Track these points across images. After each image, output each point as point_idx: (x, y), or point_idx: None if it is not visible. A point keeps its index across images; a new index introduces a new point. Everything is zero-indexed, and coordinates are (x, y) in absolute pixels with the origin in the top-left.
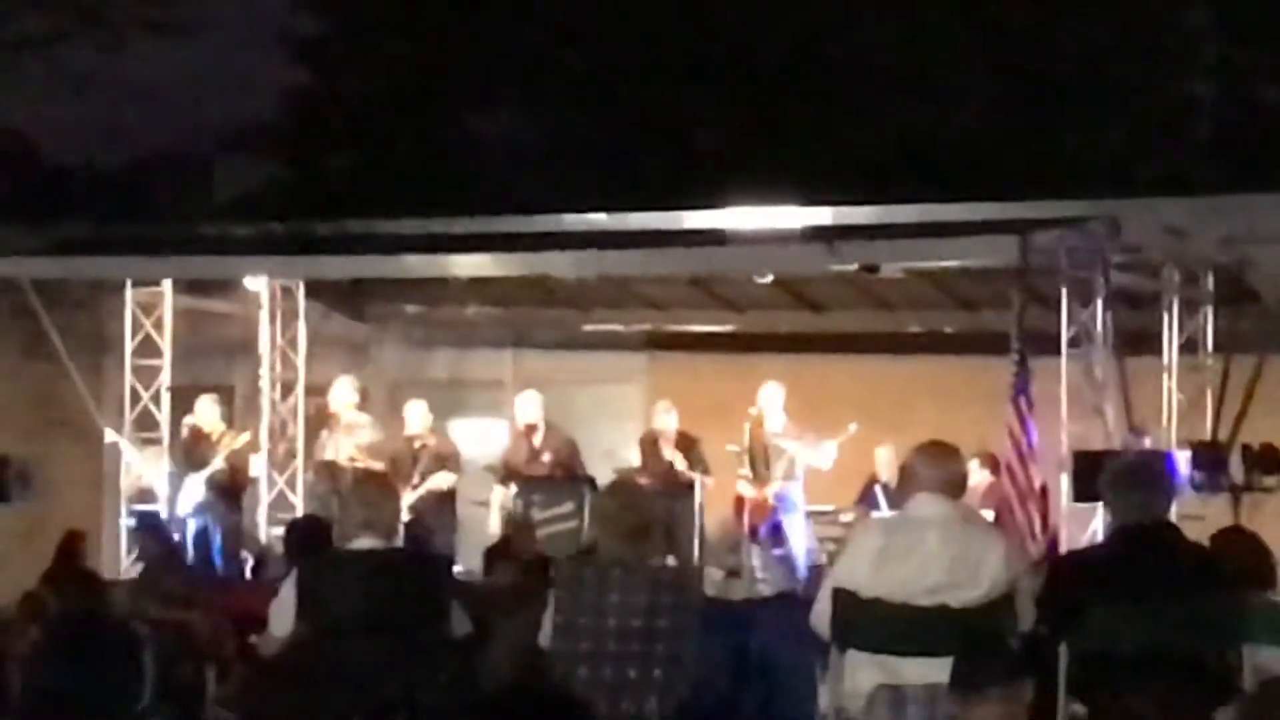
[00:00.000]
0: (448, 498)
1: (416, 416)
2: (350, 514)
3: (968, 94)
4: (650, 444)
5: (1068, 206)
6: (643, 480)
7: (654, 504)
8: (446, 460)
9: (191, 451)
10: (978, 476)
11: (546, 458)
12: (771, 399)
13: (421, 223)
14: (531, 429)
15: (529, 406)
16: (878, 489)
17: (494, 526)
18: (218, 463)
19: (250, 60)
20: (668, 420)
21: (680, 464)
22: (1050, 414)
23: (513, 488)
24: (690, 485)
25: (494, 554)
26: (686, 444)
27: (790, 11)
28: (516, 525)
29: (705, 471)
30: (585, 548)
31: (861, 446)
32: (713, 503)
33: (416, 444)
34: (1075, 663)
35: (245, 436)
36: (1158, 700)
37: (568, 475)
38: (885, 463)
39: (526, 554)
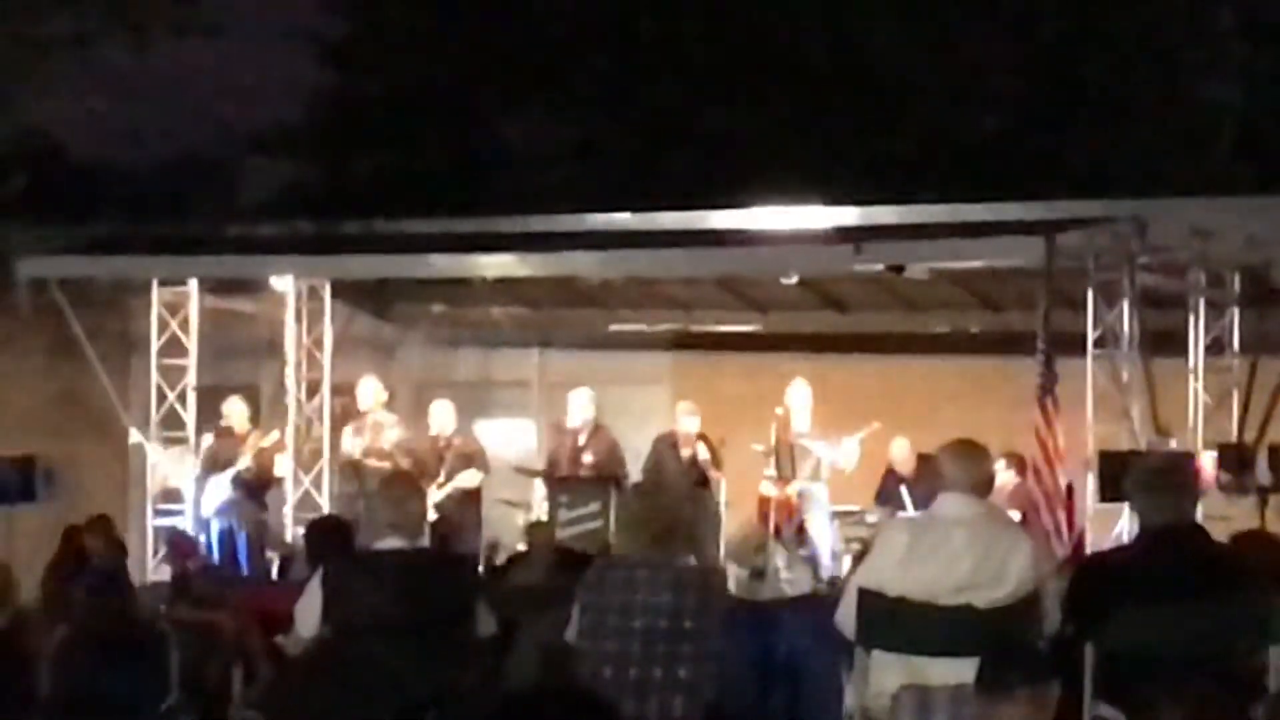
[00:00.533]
0: (474, 497)
1: (442, 416)
2: (376, 514)
3: (995, 95)
4: (669, 446)
5: (1094, 207)
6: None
7: (678, 505)
8: (473, 460)
9: (218, 451)
10: (1004, 477)
11: (588, 458)
12: (799, 398)
13: (448, 223)
14: (580, 428)
15: (582, 405)
16: (900, 486)
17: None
18: (244, 462)
19: (278, 61)
20: (689, 423)
21: (702, 456)
22: (1076, 415)
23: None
24: (706, 484)
25: (519, 554)
26: (706, 446)
27: (819, 13)
28: (531, 525)
29: (718, 469)
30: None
31: (885, 445)
32: (737, 503)
33: (442, 443)
34: (1101, 664)
35: (274, 435)
36: (1184, 703)
37: (598, 476)
38: (902, 458)
39: (545, 553)
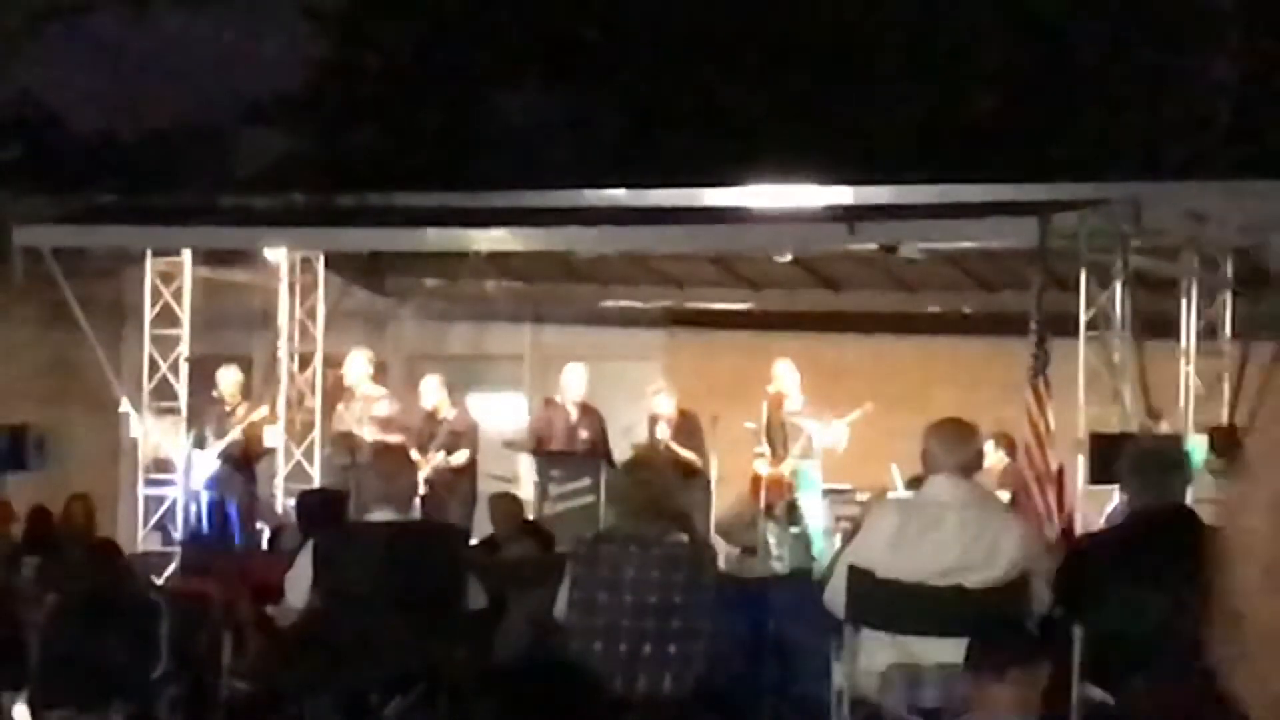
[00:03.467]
0: (467, 471)
1: (431, 390)
2: (367, 486)
3: (990, 75)
4: (650, 426)
5: (1088, 189)
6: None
7: (669, 481)
8: (464, 434)
9: (209, 423)
10: (994, 458)
11: (584, 434)
12: (785, 376)
13: (442, 196)
14: (574, 404)
15: (576, 382)
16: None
17: (527, 495)
18: (234, 435)
19: (274, 32)
20: (659, 403)
21: (678, 443)
22: (1067, 396)
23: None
24: (691, 463)
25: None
26: (687, 425)
27: None
28: (495, 499)
29: (700, 452)
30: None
31: (878, 426)
32: (729, 480)
33: (434, 418)
34: (1090, 645)
35: (264, 410)
36: (1172, 685)
37: (590, 452)
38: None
39: (510, 527)
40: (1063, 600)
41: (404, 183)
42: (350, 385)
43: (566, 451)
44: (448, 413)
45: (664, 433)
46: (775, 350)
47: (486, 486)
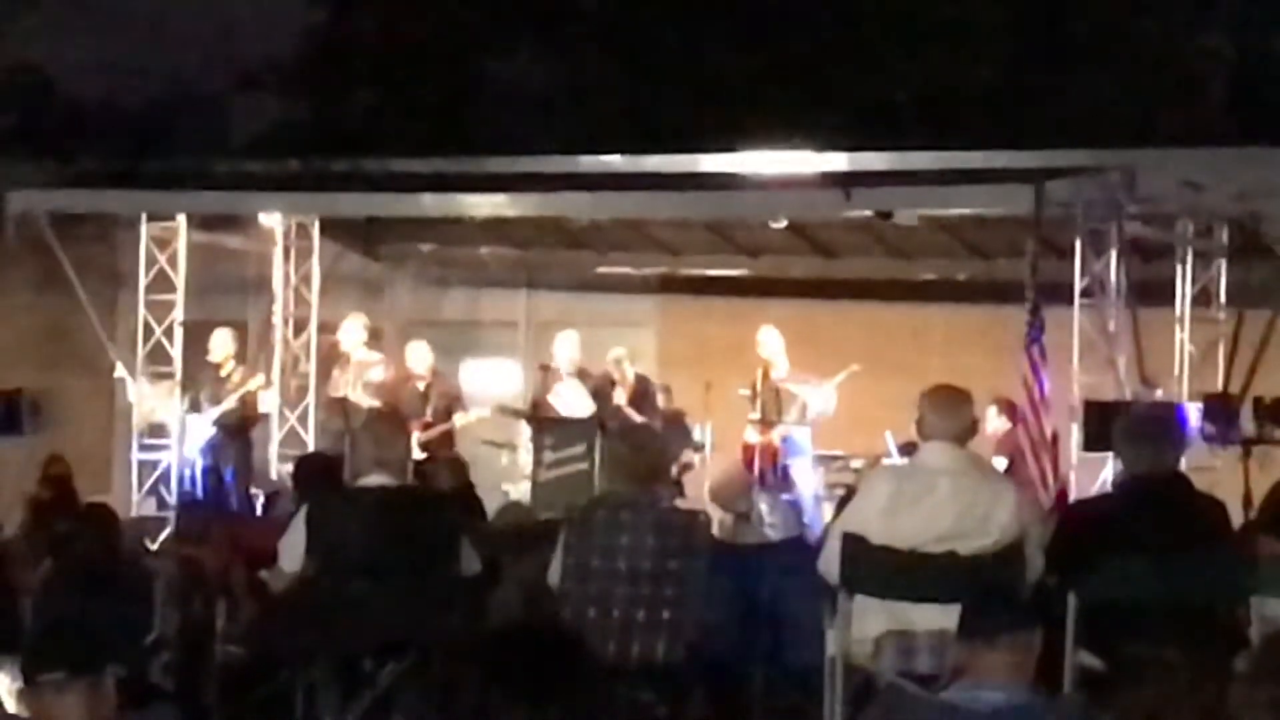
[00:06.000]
0: (448, 439)
1: (418, 356)
2: (362, 451)
3: (986, 42)
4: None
5: (1084, 156)
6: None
7: (664, 447)
8: (456, 400)
9: (204, 389)
10: (995, 424)
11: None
12: (770, 343)
13: (437, 162)
14: (567, 371)
15: (569, 348)
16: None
17: (524, 467)
18: (229, 403)
19: None
20: (617, 368)
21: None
22: (1062, 364)
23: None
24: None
25: None
26: (642, 388)
27: None
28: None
29: (655, 416)
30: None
31: (871, 392)
32: (723, 447)
33: (424, 383)
34: (1084, 612)
35: (260, 379)
36: (1165, 651)
37: (585, 418)
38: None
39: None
40: (1056, 567)
41: (399, 148)
42: (346, 351)
43: (561, 417)
44: (437, 379)
45: (620, 397)
46: (770, 317)
47: (477, 452)
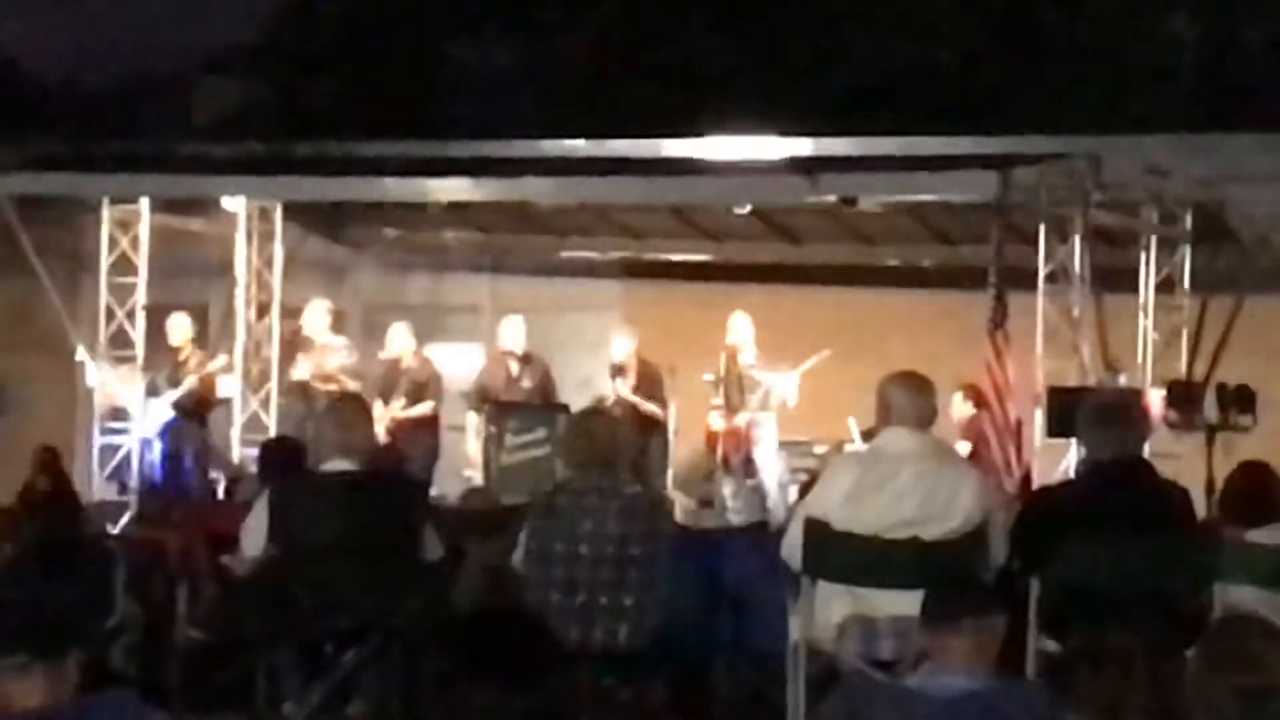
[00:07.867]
0: (429, 422)
1: (399, 339)
2: (324, 436)
3: (951, 27)
4: (612, 377)
5: (1048, 142)
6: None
7: (625, 432)
8: (427, 384)
9: (163, 370)
10: (961, 409)
11: (526, 384)
12: (740, 329)
13: (401, 146)
14: (513, 355)
15: (514, 332)
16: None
17: (472, 452)
18: (188, 384)
19: None
20: (620, 351)
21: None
22: (1026, 350)
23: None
24: (652, 415)
25: None
26: (648, 376)
27: None
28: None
29: (662, 403)
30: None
31: (835, 377)
32: (687, 433)
33: (396, 367)
34: (1046, 597)
35: (222, 359)
36: (1127, 636)
37: (543, 402)
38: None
39: None
40: (1019, 553)
41: (363, 132)
42: (309, 335)
43: (522, 402)
44: (410, 362)
45: (624, 388)
46: (734, 302)
47: (444, 437)
